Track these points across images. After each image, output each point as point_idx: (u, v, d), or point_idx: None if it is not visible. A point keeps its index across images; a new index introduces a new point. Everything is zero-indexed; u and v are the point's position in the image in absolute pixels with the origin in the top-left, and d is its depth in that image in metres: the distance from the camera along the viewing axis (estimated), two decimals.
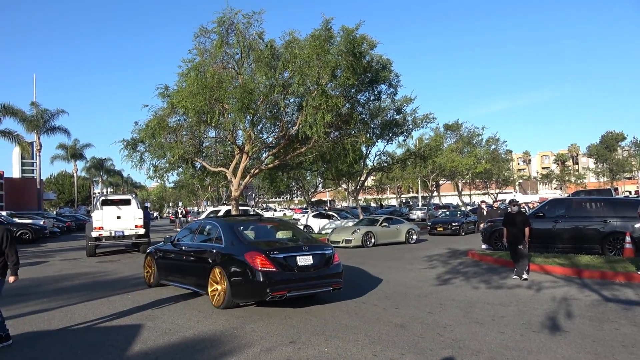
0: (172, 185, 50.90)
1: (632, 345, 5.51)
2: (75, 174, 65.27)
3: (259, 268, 7.06)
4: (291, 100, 19.13)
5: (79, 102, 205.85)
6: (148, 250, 10.51)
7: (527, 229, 10.55)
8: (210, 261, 7.93)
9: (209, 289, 7.85)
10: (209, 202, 57.00)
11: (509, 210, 11.22)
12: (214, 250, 7.98)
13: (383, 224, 19.84)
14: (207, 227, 9.02)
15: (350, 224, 22.27)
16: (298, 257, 7.44)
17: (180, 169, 21.99)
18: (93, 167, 69.68)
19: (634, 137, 77.53)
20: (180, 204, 70.02)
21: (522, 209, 12.09)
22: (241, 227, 8.44)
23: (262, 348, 5.55)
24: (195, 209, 63.97)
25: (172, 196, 76.94)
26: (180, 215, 41.15)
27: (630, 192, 69.70)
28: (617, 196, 30.85)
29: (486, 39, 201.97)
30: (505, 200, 50.46)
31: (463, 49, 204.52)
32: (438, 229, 24.32)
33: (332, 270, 7.77)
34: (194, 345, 5.75)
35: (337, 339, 5.84)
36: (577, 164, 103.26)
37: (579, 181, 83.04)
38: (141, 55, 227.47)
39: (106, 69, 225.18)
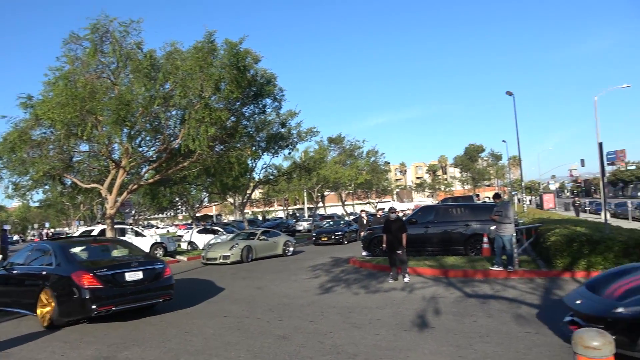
0: (37, 204, 45.87)
1: (487, 334, 6.23)
2: None
3: (85, 286, 7.48)
4: (173, 113, 18.46)
5: None
6: None
7: (403, 235, 11.38)
8: (40, 283, 8.12)
9: (38, 310, 8.03)
10: (82, 222, 52.28)
11: (389, 217, 12.01)
12: (44, 272, 8.22)
13: (261, 237, 19.51)
14: (41, 250, 9.04)
15: (225, 239, 21.63)
16: (126, 273, 8.00)
17: (47, 187, 19.98)
18: None
19: (491, 149, 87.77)
20: (47, 225, 63.30)
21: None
22: (73, 249, 8.76)
23: None
24: (66, 229, 58.27)
25: (38, 216, 69.03)
26: (45, 238, 37.15)
27: (488, 198, 78.35)
28: (477, 202, 34.61)
29: (367, 57, 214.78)
30: (384, 208, 53.73)
31: (345, 67, 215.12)
32: (322, 239, 24.91)
33: (162, 283, 8.48)
34: None
35: (219, 357, 5.76)
36: (445, 173, 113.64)
37: (447, 189, 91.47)
38: None
39: None
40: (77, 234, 22.07)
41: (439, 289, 9.84)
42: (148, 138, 19.18)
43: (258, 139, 25.27)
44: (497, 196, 12.22)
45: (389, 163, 67.13)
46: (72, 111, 14.80)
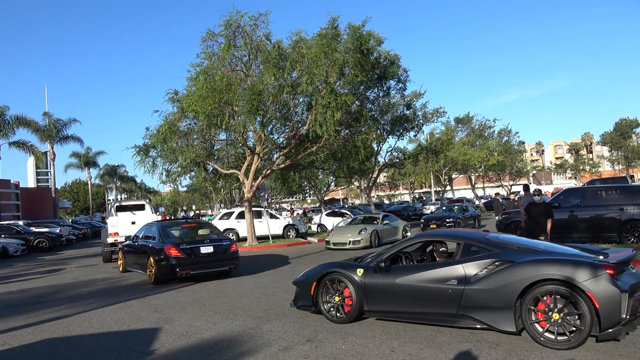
0: (184, 189, 51.46)
1: None
2: (89, 182, 66.02)
3: (172, 255, 10.46)
4: (300, 100, 19.18)
5: (90, 110, 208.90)
6: (119, 247, 14.10)
7: (548, 221, 10.35)
8: (148, 252, 11.24)
9: (147, 272, 11.17)
10: (222, 205, 57.33)
11: (534, 199, 10.94)
12: (150, 245, 11.33)
13: (384, 222, 18.93)
14: (151, 228, 12.13)
15: (342, 224, 20.48)
16: (201, 247, 10.79)
17: (193, 173, 22.18)
18: (106, 174, 70.23)
19: None
20: (193, 207, 70.51)
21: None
22: (169, 228, 11.88)
23: (279, 347, 5.54)
24: (209, 212, 64.36)
25: (186, 200, 77.39)
26: (186, 218, 41.31)
27: None
28: (633, 184, 30.35)
29: (495, 29, 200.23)
30: (519, 191, 49.96)
31: (471, 41, 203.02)
32: (432, 226, 22.77)
33: (229, 255, 11.10)
34: (212, 346, 5.76)
35: (355, 336, 5.81)
36: (591, 152, 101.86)
37: (593, 170, 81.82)
38: (150, 61, 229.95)
39: (116, 77, 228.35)
40: (219, 215, 24.21)
41: None
42: (278, 125, 20.19)
43: (383, 122, 25.09)
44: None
45: (523, 143, 62.34)
46: (211, 103, 16.13)
